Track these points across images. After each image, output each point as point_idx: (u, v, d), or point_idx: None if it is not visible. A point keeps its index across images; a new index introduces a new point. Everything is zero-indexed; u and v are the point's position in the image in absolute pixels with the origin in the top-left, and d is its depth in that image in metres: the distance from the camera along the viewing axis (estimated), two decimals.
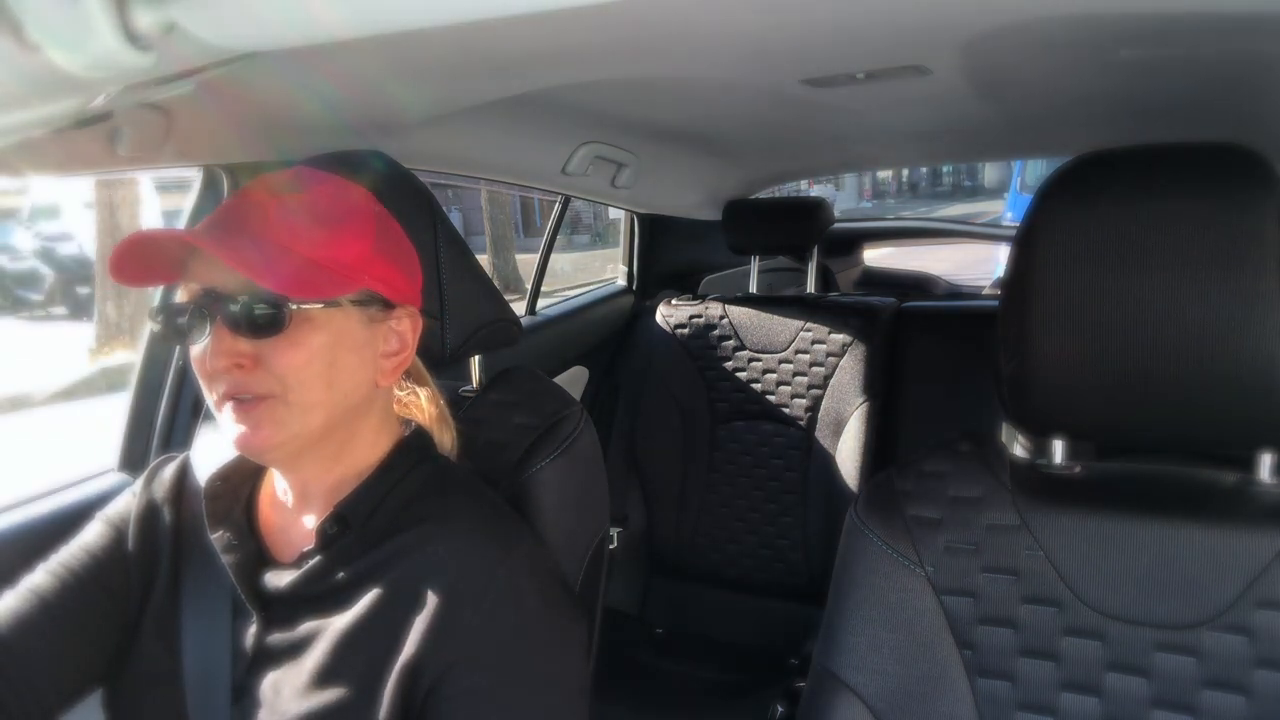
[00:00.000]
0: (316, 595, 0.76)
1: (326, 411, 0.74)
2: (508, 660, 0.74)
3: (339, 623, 0.75)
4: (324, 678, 0.73)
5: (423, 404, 0.91)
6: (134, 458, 1.27)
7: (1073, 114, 1.56)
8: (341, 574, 0.77)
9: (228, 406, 0.72)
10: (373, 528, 0.78)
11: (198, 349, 0.72)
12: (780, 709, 1.60)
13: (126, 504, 0.87)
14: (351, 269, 0.75)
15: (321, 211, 0.76)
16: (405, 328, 0.80)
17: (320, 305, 0.73)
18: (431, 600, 0.74)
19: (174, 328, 0.73)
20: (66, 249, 7.92)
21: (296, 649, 0.75)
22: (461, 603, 0.74)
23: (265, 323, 0.71)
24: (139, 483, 0.89)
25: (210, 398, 0.74)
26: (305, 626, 0.76)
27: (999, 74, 1.24)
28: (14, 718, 0.75)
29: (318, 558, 0.77)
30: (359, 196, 0.79)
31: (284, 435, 0.73)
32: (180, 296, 0.74)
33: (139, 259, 0.71)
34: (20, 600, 0.78)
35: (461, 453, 0.91)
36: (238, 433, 0.72)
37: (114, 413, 1.29)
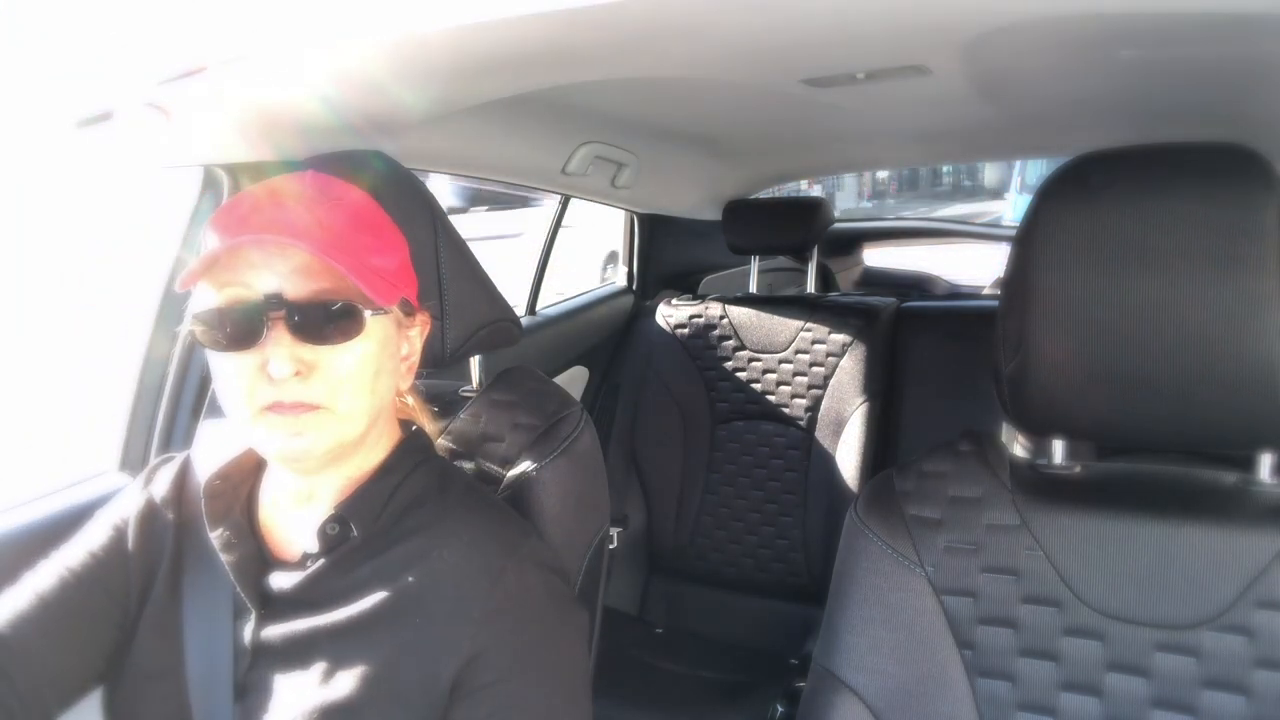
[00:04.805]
0: (319, 597, 0.76)
1: (367, 418, 0.75)
2: (520, 654, 0.74)
3: (346, 626, 0.75)
4: (332, 680, 0.73)
5: (409, 402, 0.92)
6: (134, 458, 1.27)
7: (1073, 114, 1.56)
8: (346, 578, 0.77)
9: (267, 415, 0.70)
10: (377, 532, 0.78)
11: (242, 358, 0.70)
12: (780, 709, 1.60)
13: (126, 504, 0.87)
14: (395, 275, 0.76)
15: (364, 218, 0.76)
16: (417, 333, 0.82)
17: (384, 313, 0.74)
18: (441, 605, 0.74)
19: (223, 334, 0.69)
20: None
21: (300, 649, 0.75)
22: (470, 604, 0.74)
23: (340, 329, 0.70)
24: (138, 482, 0.88)
25: (246, 409, 0.71)
26: (308, 627, 0.76)
27: (999, 74, 1.24)
28: (14, 716, 0.75)
29: (322, 560, 0.77)
30: (375, 203, 0.80)
31: (328, 443, 0.72)
32: (217, 301, 0.70)
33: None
34: (21, 599, 0.79)
35: (455, 449, 0.92)
36: (280, 442, 0.71)
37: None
